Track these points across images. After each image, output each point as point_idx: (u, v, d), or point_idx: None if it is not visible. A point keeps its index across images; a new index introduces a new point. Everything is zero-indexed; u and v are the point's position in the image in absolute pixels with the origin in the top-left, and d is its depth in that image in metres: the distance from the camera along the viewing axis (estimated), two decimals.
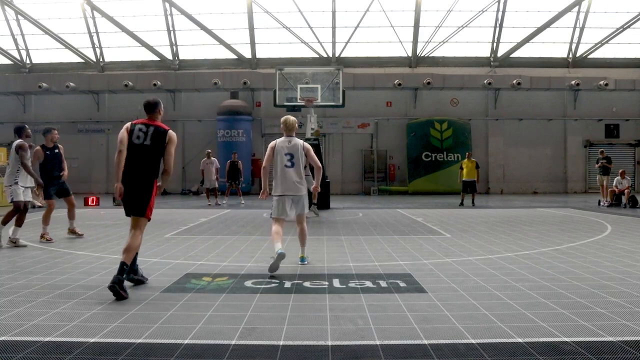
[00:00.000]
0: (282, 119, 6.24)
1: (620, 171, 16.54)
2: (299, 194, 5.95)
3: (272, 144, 6.07)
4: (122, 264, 4.56)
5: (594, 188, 22.65)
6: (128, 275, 4.77)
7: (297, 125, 6.22)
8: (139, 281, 5.03)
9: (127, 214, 4.93)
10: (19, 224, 7.65)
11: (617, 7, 24.19)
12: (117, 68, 26.11)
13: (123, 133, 4.84)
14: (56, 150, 8.55)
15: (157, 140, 4.83)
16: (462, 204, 16.16)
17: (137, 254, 4.90)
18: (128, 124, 4.92)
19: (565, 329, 3.54)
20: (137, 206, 4.85)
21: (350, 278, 5.28)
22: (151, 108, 4.98)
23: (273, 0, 24.39)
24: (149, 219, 4.93)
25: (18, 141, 7.77)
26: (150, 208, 4.88)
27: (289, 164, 5.93)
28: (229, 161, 17.75)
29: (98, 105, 25.95)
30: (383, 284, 5.01)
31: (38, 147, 8.38)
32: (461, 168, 16.76)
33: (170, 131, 4.94)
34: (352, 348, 3.22)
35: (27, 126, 8.09)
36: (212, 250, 7.27)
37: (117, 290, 4.39)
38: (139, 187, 4.81)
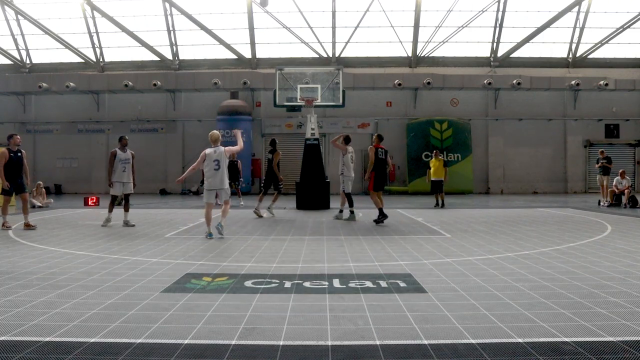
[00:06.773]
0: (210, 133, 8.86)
1: (620, 171, 16.52)
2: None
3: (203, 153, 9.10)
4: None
5: (594, 188, 22.64)
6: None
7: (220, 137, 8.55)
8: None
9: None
10: (127, 209, 10.83)
11: (617, 7, 24.18)
12: (117, 68, 26.09)
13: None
14: (19, 154, 9.90)
15: None
16: (437, 204, 15.68)
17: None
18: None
19: (565, 329, 3.54)
20: None
21: (350, 278, 5.28)
22: None
23: (273, 0, 24.38)
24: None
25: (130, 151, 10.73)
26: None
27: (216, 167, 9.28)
28: (228, 161, 17.66)
29: (98, 105, 25.91)
30: (383, 284, 5.01)
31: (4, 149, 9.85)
32: (429, 168, 16.36)
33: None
34: (352, 348, 3.22)
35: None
36: (212, 250, 7.27)
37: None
38: None
